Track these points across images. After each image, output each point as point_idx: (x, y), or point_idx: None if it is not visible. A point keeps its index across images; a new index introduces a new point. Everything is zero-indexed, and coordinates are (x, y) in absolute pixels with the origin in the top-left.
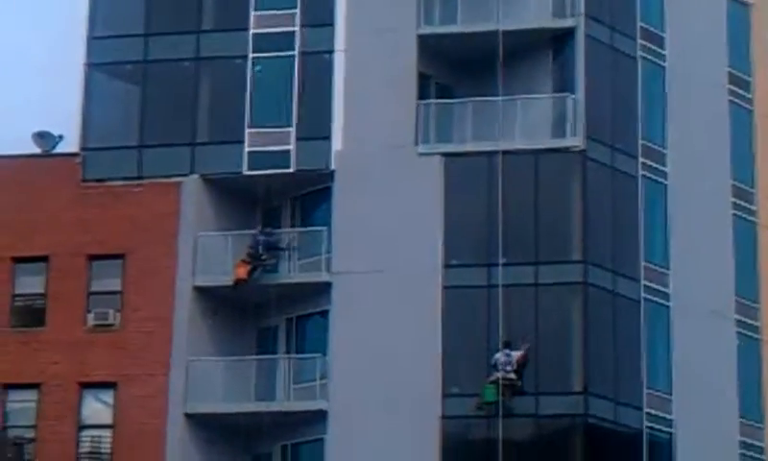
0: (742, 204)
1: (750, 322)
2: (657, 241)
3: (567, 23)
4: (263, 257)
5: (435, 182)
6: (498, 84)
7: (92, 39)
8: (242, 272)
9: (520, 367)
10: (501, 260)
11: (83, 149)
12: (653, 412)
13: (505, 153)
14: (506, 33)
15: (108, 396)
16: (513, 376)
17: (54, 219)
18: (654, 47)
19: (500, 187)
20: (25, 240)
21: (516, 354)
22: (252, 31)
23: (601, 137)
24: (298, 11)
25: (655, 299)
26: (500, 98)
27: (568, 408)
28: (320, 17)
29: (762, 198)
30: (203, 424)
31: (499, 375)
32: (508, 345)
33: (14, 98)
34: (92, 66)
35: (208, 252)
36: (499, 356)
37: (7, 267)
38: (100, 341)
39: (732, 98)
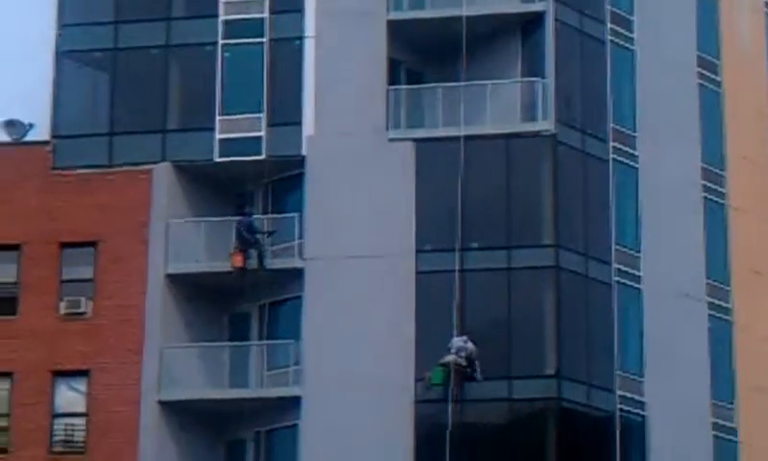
0: (713, 186)
1: (721, 304)
2: (628, 224)
3: (536, 8)
4: (250, 241)
5: (406, 168)
6: (464, 70)
7: (62, 27)
8: (237, 260)
9: (472, 360)
10: (458, 245)
11: (53, 137)
12: (625, 394)
13: (475, 137)
14: (475, 18)
15: (80, 384)
16: (463, 362)
17: (25, 207)
18: (623, 31)
19: (471, 172)
20: None
21: (472, 347)
22: (221, 18)
23: (571, 121)
24: None
25: (626, 282)
26: (468, 83)
27: (541, 392)
28: (289, 3)
29: (732, 180)
30: (176, 411)
31: (450, 358)
32: (466, 333)
33: None
34: (62, 54)
35: (180, 239)
36: (456, 341)
37: None
38: (72, 329)
39: (700, 80)
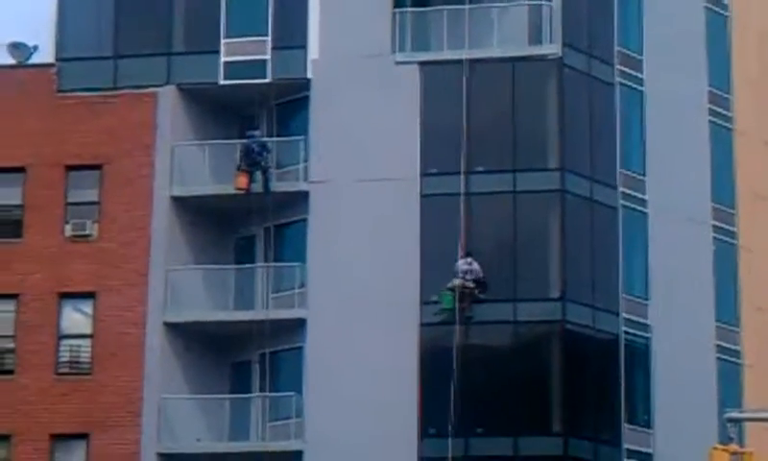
0: (719, 110)
1: (726, 227)
2: (634, 148)
3: None
4: (259, 162)
5: (412, 91)
6: None
7: None
8: (242, 181)
9: (482, 282)
10: (463, 168)
11: (58, 59)
12: (630, 317)
13: (482, 60)
14: None
15: (86, 306)
16: (471, 284)
17: (30, 130)
18: None
19: (477, 95)
20: (1, 151)
21: (477, 267)
22: None
23: (578, 44)
24: None
25: (632, 205)
26: (474, 6)
27: (546, 314)
28: None
29: (738, 104)
30: (182, 332)
31: (457, 282)
32: (470, 255)
33: None
34: None
35: (185, 162)
36: (461, 264)
37: None
38: (78, 251)
39: (707, 4)
